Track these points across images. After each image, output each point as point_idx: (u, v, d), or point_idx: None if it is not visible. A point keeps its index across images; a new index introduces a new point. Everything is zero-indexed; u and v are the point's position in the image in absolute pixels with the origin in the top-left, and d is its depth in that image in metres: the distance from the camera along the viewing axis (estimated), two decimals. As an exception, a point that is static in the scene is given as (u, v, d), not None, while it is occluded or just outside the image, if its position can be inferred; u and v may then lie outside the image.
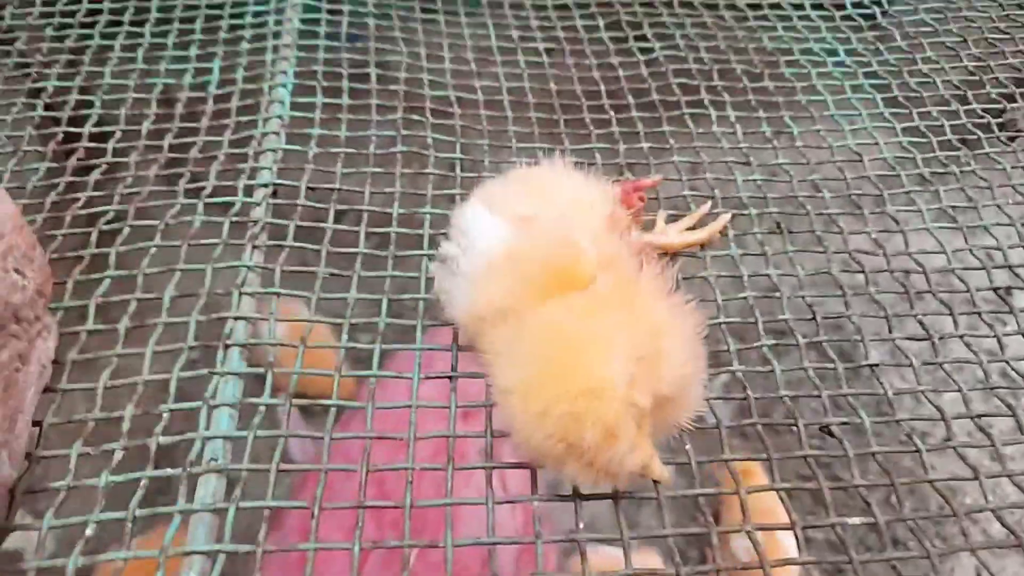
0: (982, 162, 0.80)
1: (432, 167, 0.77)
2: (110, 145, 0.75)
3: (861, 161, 0.80)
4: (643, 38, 0.96)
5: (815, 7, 1.02)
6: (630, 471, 0.49)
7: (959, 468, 0.55)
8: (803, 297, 0.67)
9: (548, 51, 0.93)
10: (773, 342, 0.63)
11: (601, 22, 0.97)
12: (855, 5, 1.02)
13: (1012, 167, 0.78)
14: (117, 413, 0.55)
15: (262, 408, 0.55)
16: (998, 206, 0.75)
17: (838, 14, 1.00)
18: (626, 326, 0.49)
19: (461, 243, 0.57)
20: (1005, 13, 1.00)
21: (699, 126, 0.84)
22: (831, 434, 0.57)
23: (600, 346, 0.48)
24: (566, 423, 0.47)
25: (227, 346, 0.59)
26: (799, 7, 1.01)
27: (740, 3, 1.02)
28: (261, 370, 0.57)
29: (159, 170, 0.73)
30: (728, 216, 0.72)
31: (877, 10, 1.01)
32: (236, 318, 0.60)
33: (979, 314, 0.66)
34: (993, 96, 0.89)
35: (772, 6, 1.01)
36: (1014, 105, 0.86)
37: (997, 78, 0.90)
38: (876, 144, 0.82)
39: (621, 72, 0.90)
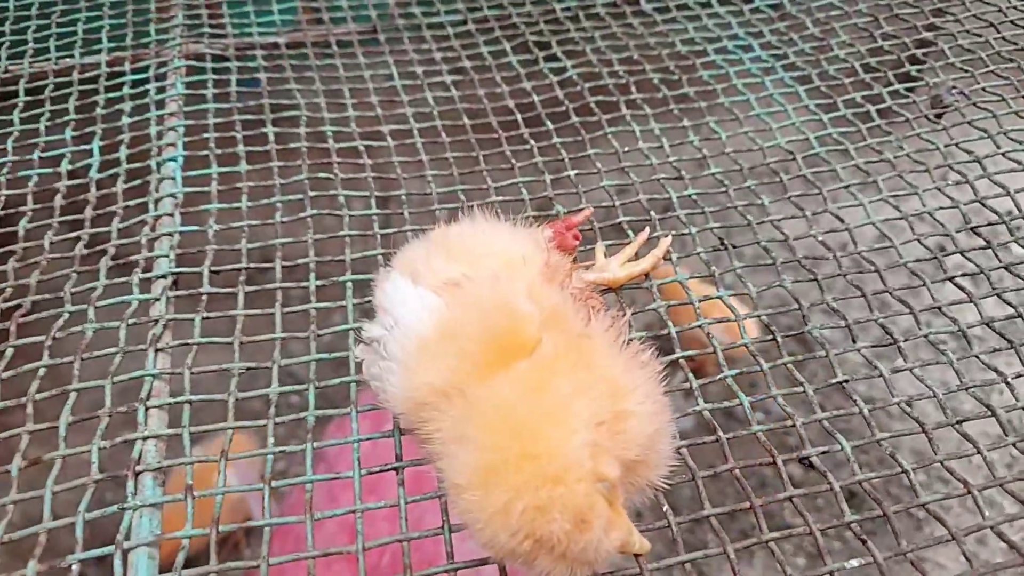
0: (915, 144, 0.78)
1: (347, 228, 0.70)
2: (-18, 254, 0.67)
3: (795, 159, 0.77)
4: (553, 57, 0.92)
5: (722, 3, 0.99)
6: (608, 553, 0.44)
7: (948, 482, 0.52)
8: (760, 317, 0.63)
9: (456, 83, 0.88)
10: (736, 371, 0.59)
11: (507, 46, 0.93)
12: (762, -4, 1.00)
13: (945, 146, 0.76)
14: (17, 573, 0.48)
15: (185, 543, 0.48)
16: (938, 188, 0.73)
17: (746, 8, 0.98)
18: (581, 391, 0.44)
19: (386, 322, 0.51)
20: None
21: (624, 144, 0.80)
22: (812, 466, 0.53)
23: (556, 420, 0.43)
24: (531, 517, 0.41)
25: (137, 473, 0.52)
26: (706, 5, 0.99)
27: (647, 8, 0.99)
28: (180, 496, 0.50)
29: (41, 275, 0.65)
30: (668, 240, 0.67)
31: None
32: (144, 438, 0.53)
33: (939, 308, 0.63)
34: (913, 73, 0.87)
35: (679, 7, 0.98)
36: (936, 80, 0.85)
37: (914, 55, 0.89)
38: (806, 139, 0.79)
39: (536, 97, 0.86)
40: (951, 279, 0.65)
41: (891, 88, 0.84)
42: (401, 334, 0.49)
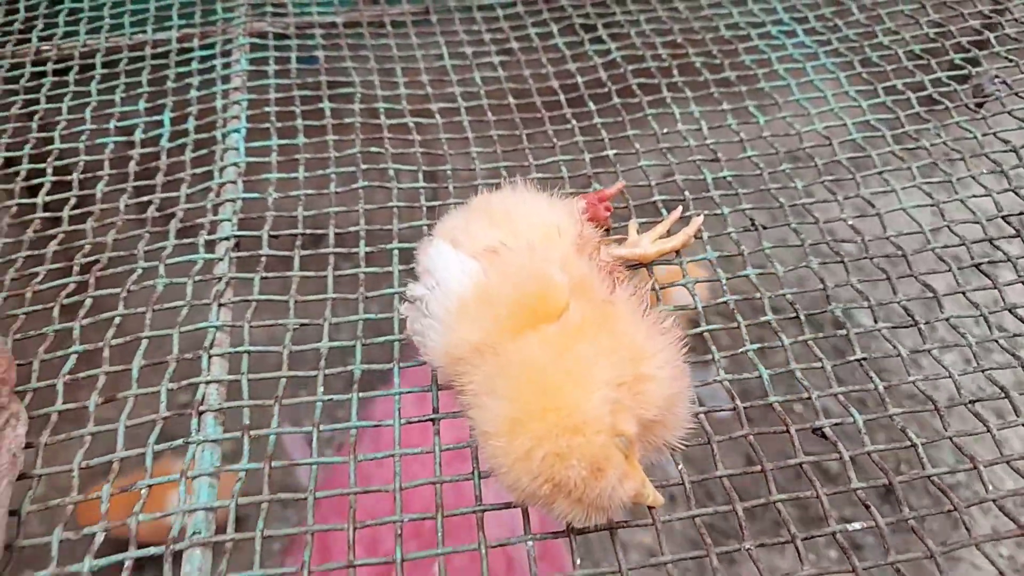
0: (952, 132, 0.79)
1: (396, 199, 0.75)
2: (65, 213, 0.74)
3: (830, 145, 0.79)
4: (598, 40, 0.94)
5: (769, -11, 1.00)
6: (622, 502, 0.47)
7: (956, 458, 0.54)
8: (784, 295, 0.65)
9: (503, 64, 0.92)
10: (758, 346, 0.61)
11: (554, 28, 0.96)
12: (810, -18, 1.01)
13: (983, 135, 0.77)
14: (95, 495, 0.54)
15: (242, 475, 0.54)
16: (972, 177, 0.74)
17: (793, -7, 0.99)
18: (604, 354, 0.48)
19: (428, 283, 0.55)
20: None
21: (663, 125, 0.82)
22: (824, 436, 0.56)
23: (579, 379, 0.47)
24: (551, 463, 0.45)
25: (200, 412, 0.57)
26: (753, -10, 1.00)
27: (694, -7, 1.00)
28: (238, 434, 0.56)
29: (117, 235, 0.71)
30: (700, 219, 0.70)
31: (832, -16, 1.00)
32: (208, 382, 0.59)
33: (963, 293, 0.65)
34: (956, 62, 0.87)
35: (726, -8, 1.00)
36: (979, 69, 0.85)
37: (959, 43, 0.89)
38: (844, 125, 0.80)
39: (579, 78, 0.89)
40: (977, 265, 0.67)
41: (933, 76, 0.84)
42: (442, 295, 0.53)
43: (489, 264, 0.53)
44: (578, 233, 0.58)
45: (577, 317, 0.50)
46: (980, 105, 0.82)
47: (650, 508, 0.51)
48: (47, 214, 0.74)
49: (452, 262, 0.54)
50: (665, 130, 0.82)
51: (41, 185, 0.77)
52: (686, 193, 0.74)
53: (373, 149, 0.80)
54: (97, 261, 0.69)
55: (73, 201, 0.75)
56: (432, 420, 0.57)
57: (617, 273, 0.58)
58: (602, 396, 0.46)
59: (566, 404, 0.46)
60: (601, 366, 0.47)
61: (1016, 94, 0.81)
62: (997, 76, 0.83)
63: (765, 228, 0.71)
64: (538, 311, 0.51)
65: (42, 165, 0.79)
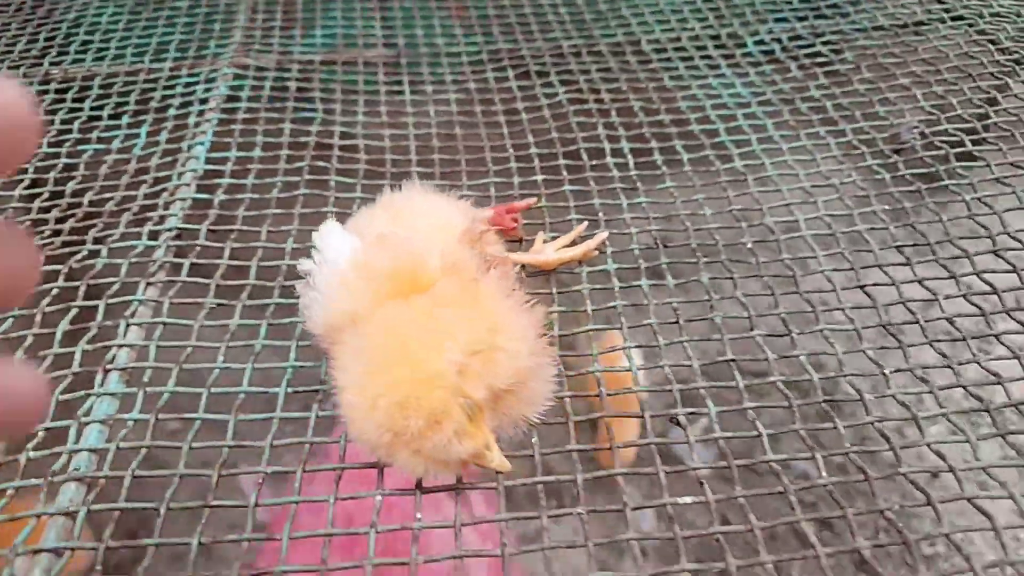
0: (864, 175, 0.83)
1: (332, 206, 0.81)
2: (35, 204, 0.82)
3: (746, 180, 0.83)
4: (549, 84, 1.02)
5: (717, 47, 1.07)
6: (461, 459, 0.50)
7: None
8: (670, 303, 0.69)
9: (458, 100, 0.99)
10: (635, 345, 0.65)
11: (511, 72, 1.04)
12: (756, 43, 1.08)
13: (894, 180, 0.81)
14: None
15: (130, 423, 0.58)
16: (876, 214, 0.77)
17: (738, 52, 1.06)
18: (462, 321, 0.52)
19: (317, 259, 0.60)
20: (900, 39, 1.05)
21: (592, 158, 0.88)
22: (679, 424, 0.58)
23: (432, 340, 0.51)
24: (392, 412, 0.49)
25: (107, 370, 0.62)
26: (701, 48, 1.07)
27: (646, 48, 1.08)
28: (134, 390, 0.61)
29: (75, 223, 0.78)
30: (605, 234, 0.75)
31: (777, 46, 1.07)
32: (120, 346, 0.64)
33: (840, 309, 0.68)
34: (881, 114, 0.92)
35: (676, 49, 1.07)
36: (900, 120, 0.89)
37: (887, 97, 0.94)
38: (762, 163, 0.85)
39: (524, 115, 0.96)
40: (861, 287, 0.70)
41: (855, 125, 0.89)
42: (327, 269, 0.59)
43: (373, 245, 0.59)
44: (466, 228, 0.63)
45: (444, 290, 0.55)
46: (897, 152, 0.86)
47: (497, 472, 0.54)
48: (20, 204, 0.82)
49: (338, 240, 0.60)
50: (594, 162, 0.87)
51: (21, 180, 0.85)
52: (600, 213, 0.79)
53: (320, 163, 0.87)
54: (52, 243, 0.76)
55: (45, 195, 0.83)
56: (316, 391, 0.61)
57: (496, 262, 0.63)
58: (450, 356, 0.50)
59: (416, 360, 0.50)
60: (457, 331, 0.51)
61: (931, 143, 0.85)
62: (915, 127, 0.88)
63: (667, 247, 0.75)
64: (409, 284, 0.55)
65: (26, 165, 0.87)
